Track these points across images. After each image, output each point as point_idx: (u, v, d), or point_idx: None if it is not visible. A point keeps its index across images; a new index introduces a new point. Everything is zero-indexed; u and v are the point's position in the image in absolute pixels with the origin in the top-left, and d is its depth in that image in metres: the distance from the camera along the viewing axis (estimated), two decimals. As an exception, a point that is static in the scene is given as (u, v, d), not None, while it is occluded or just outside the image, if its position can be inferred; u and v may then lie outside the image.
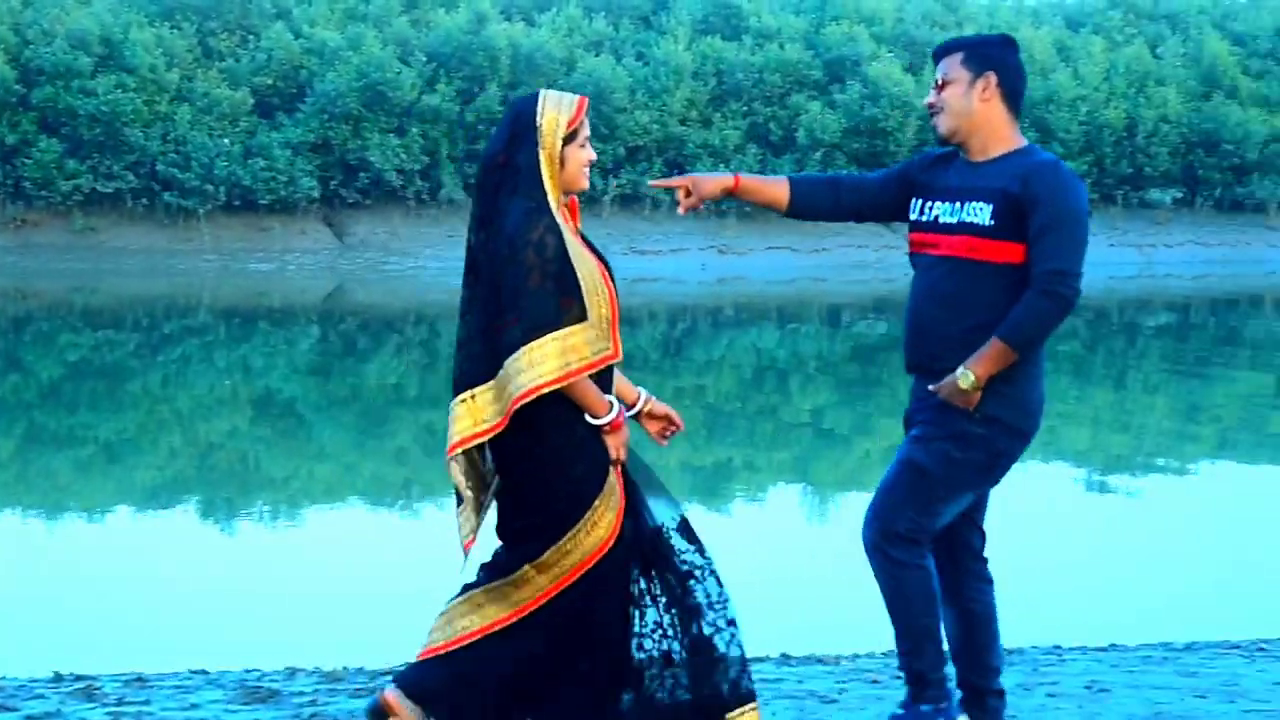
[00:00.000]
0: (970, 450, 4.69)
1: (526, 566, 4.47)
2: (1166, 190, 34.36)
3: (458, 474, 4.53)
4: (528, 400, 4.36)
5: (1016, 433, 4.72)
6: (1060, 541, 9.91)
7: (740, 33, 35.24)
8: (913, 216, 4.92)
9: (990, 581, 4.91)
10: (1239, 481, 12.52)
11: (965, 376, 4.60)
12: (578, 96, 4.65)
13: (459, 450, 4.48)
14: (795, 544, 10.05)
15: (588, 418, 4.47)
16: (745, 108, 33.72)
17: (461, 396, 4.48)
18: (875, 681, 6.04)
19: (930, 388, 4.71)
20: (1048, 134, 33.59)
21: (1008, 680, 5.15)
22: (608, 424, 4.49)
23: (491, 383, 4.44)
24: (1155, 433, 14.93)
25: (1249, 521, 10.81)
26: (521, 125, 4.52)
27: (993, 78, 4.75)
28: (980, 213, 4.68)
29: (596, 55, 33.78)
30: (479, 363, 4.47)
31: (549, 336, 4.39)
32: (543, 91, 4.60)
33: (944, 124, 4.80)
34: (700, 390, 17.45)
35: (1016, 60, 4.85)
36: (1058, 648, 6.85)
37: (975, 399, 4.63)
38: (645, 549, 4.55)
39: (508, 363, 4.39)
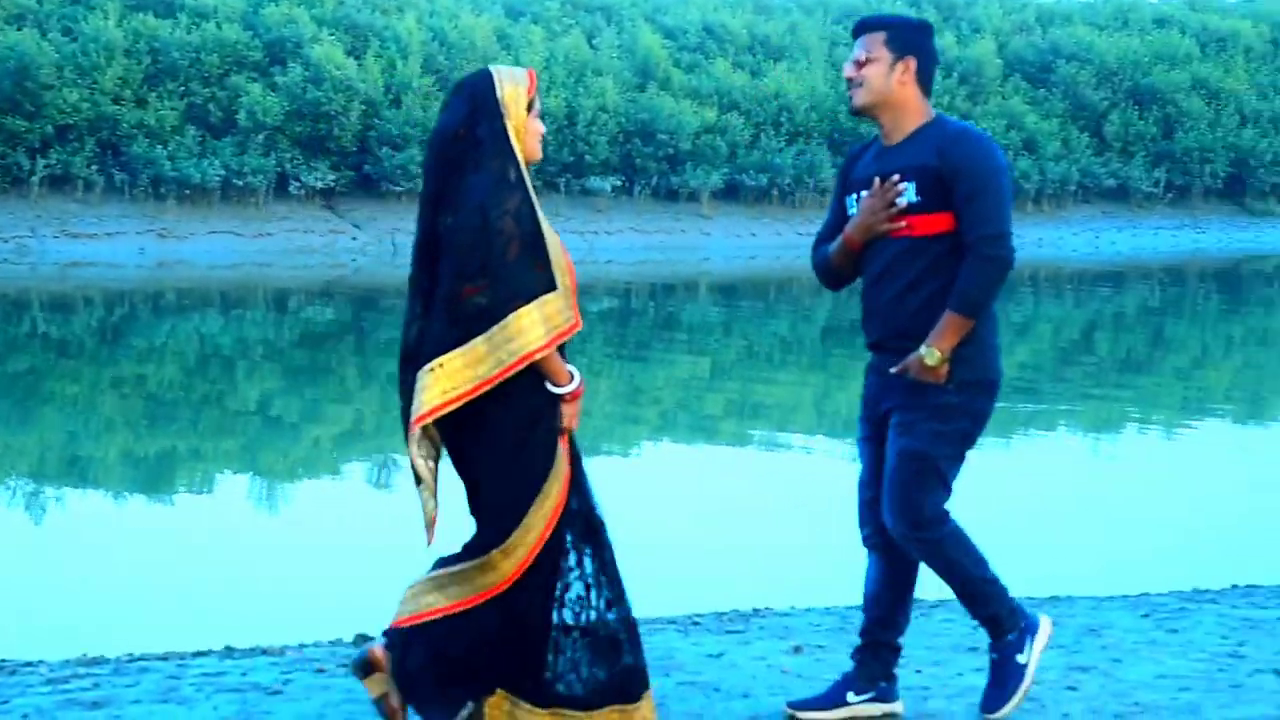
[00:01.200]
0: (954, 419, 4.91)
1: (494, 552, 4.54)
2: (606, 178, 35.34)
3: (416, 448, 4.56)
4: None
5: (989, 387, 4.98)
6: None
7: (175, 10, 34.19)
8: (850, 212, 5.09)
9: None
10: (671, 464, 12.91)
11: (931, 354, 4.82)
12: (525, 69, 4.82)
13: (427, 420, 4.50)
14: (243, 535, 9.75)
15: (550, 386, 4.59)
16: (182, 88, 32.74)
17: (429, 365, 4.50)
18: (321, 670, 5.90)
19: (893, 370, 4.91)
20: (491, 121, 34.00)
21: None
22: (569, 393, 4.62)
23: (462, 349, 4.48)
24: (599, 416, 15.26)
25: (678, 499, 11.14)
26: (480, 100, 4.65)
27: (912, 63, 4.99)
28: (906, 192, 4.89)
29: (19, 29, 32.09)
30: (446, 331, 4.50)
31: (533, 304, 4.51)
32: (491, 67, 4.73)
33: (860, 98, 5.02)
34: (141, 379, 16.80)
35: (933, 47, 5.10)
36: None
37: (944, 371, 4.84)
38: (582, 523, 4.68)
39: (494, 330, 4.47)
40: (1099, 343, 21.92)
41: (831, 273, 5.24)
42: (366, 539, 9.51)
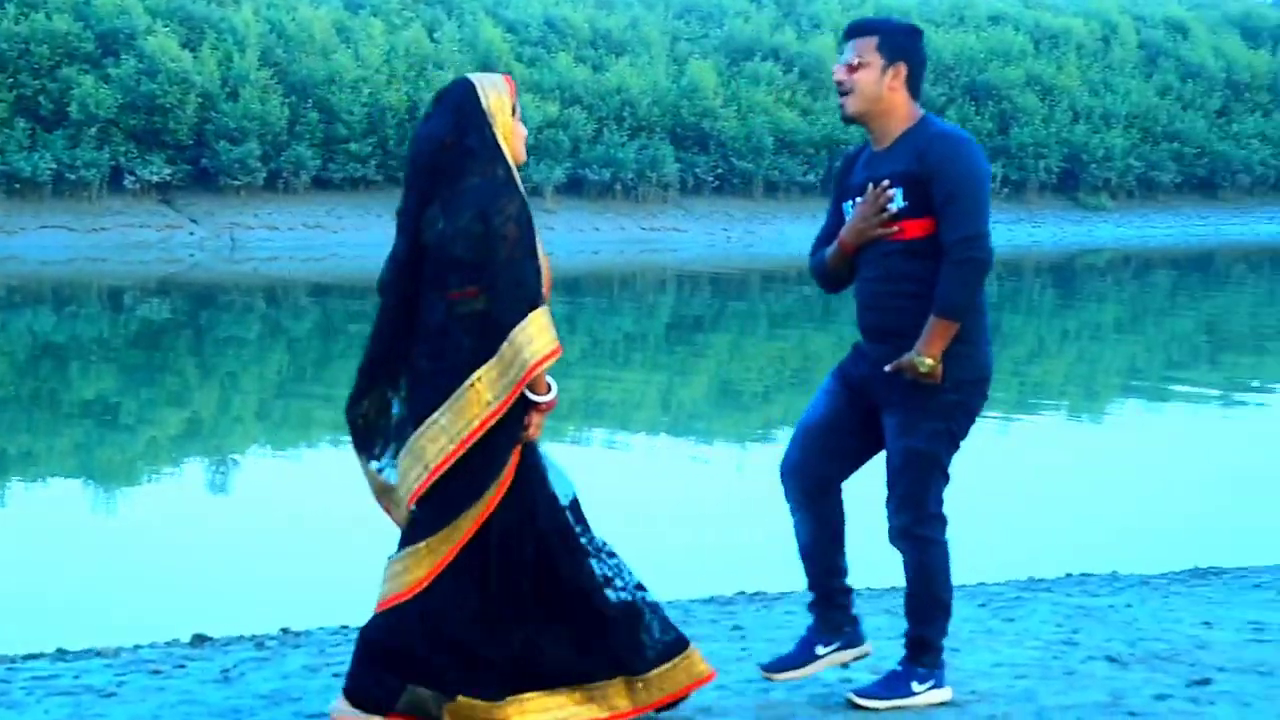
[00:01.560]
0: (953, 417, 5.03)
1: (420, 545, 4.63)
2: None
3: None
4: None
5: (982, 383, 5.08)
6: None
7: (3, 1, 33.41)
8: (848, 217, 5.14)
9: (841, 496, 5.29)
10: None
11: (922, 361, 4.91)
12: (503, 76, 4.88)
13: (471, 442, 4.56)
14: (76, 536, 9.55)
15: (530, 394, 4.64)
16: (11, 79, 31.97)
17: (469, 382, 4.55)
18: (157, 672, 5.79)
19: (887, 368, 4.97)
20: (332, 115, 33.66)
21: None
22: (547, 402, 4.69)
23: (493, 360, 4.56)
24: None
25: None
26: (466, 111, 4.71)
27: (903, 69, 5.06)
28: (895, 198, 4.97)
29: None
30: (474, 347, 4.57)
31: (539, 310, 4.61)
32: (471, 76, 4.84)
33: (852, 105, 5.10)
34: (-32, 378, 16.40)
35: (923, 50, 5.18)
36: (344, 628, 6.77)
37: (939, 373, 4.93)
38: (545, 523, 4.73)
39: (514, 332, 4.54)
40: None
41: (828, 276, 5.27)
42: (201, 539, 9.37)
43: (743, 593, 7.67)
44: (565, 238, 34.24)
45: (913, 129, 5.08)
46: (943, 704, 5.12)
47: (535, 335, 4.59)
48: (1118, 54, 46.31)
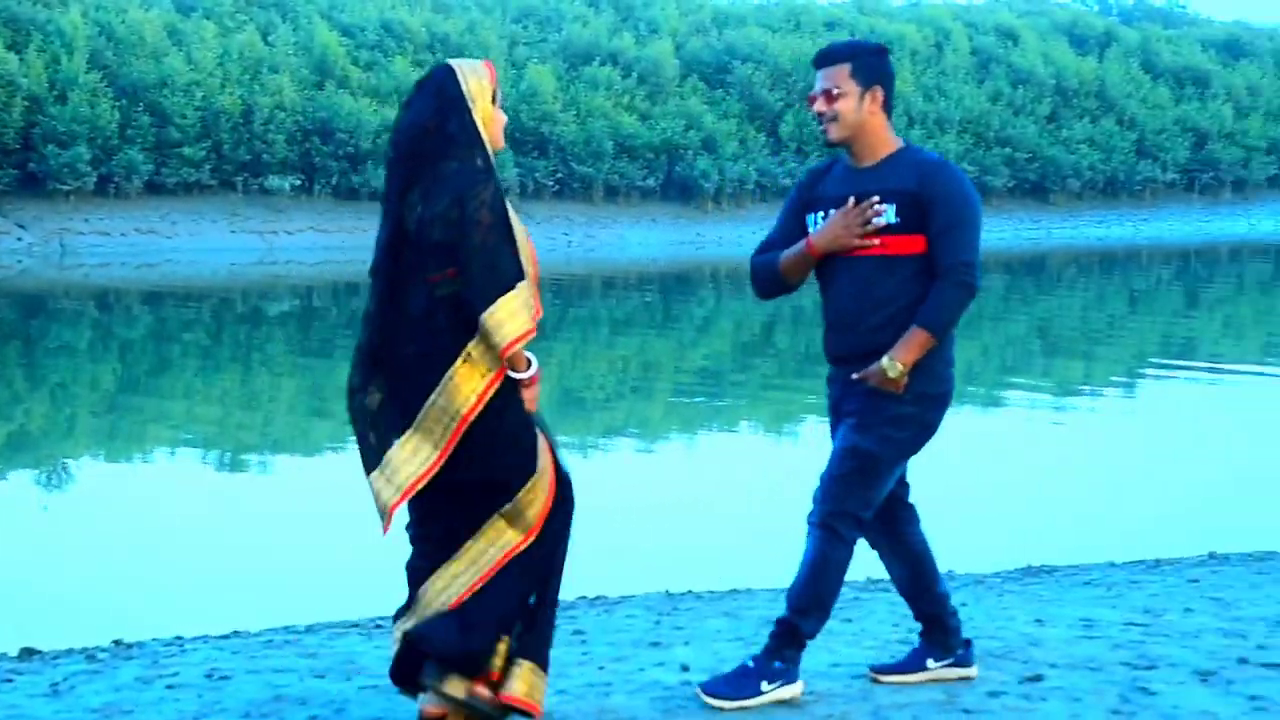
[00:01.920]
0: (905, 428, 5.10)
1: (496, 517, 4.72)
2: (285, 177, 34.73)
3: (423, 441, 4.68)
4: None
5: (941, 399, 5.18)
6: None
7: None
8: (812, 229, 5.22)
9: (919, 521, 5.39)
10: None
11: (893, 366, 5.01)
12: (483, 61, 4.93)
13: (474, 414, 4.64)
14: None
15: (510, 372, 4.73)
16: None
17: (462, 356, 4.66)
18: (-18, 691, 5.63)
19: (855, 376, 5.08)
20: (164, 119, 33.13)
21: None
22: (528, 379, 4.79)
23: (478, 338, 4.65)
24: (282, 419, 15.00)
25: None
26: (448, 95, 4.75)
27: (880, 92, 5.17)
28: (885, 213, 5.06)
29: None
30: (454, 327, 4.66)
31: (512, 292, 4.67)
32: (452, 62, 4.83)
33: (836, 133, 5.17)
34: None
35: (892, 68, 5.26)
36: (179, 638, 6.66)
37: (904, 384, 5.03)
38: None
39: (484, 316, 4.62)
40: (778, 339, 22.40)
41: (777, 279, 5.33)
42: (28, 551, 9.17)
43: (584, 597, 7.66)
44: (404, 243, 34.03)
45: (901, 151, 5.21)
46: (785, 701, 5.15)
47: (505, 319, 4.65)
48: (950, 60, 47.11)
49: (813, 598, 5.17)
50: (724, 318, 24.69)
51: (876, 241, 5.10)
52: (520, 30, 41.88)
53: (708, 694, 5.13)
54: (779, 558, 8.93)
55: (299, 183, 34.85)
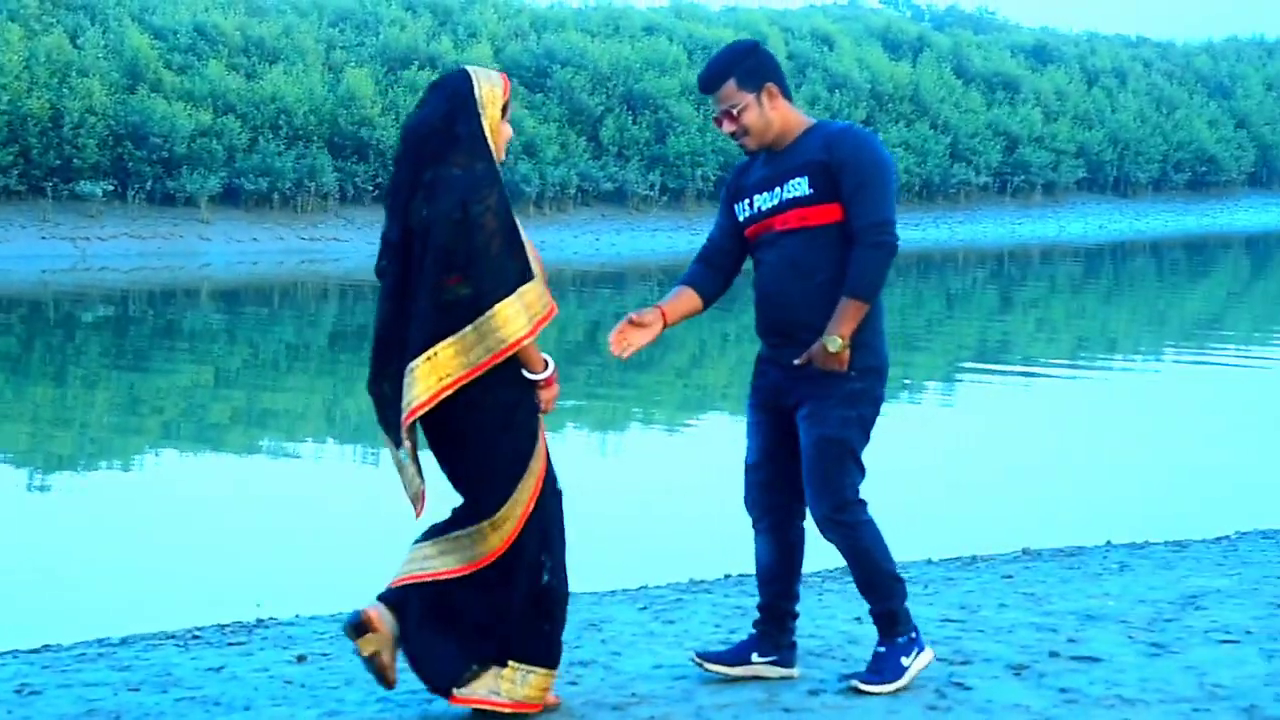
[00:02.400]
0: (860, 404, 5.21)
1: (484, 524, 4.87)
2: (98, 183, 33.99)
3: (405, 435, 4.84)
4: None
5: (882, 371, 5.28)
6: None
7: None
8: (741, 218, 5.37)
9: (805, 516, 5.44)
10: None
11: (833, 341, 5.09)
12: (500, 73, 5.04)
13: (424, 409, 4.77)
14: None
15: (525, 373, 4.91)
16: None
17: (425, 354, 4.75)
18: None
19: (797, 362, 5.17)
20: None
21: None
22: (544, 379, 4.95)
23: (453, 338, 4.76)
24: (97, 428, 14.71)
25: (184, 511, 10.85)
26: (460, 99, 4.87)
27: (772, 88, 5.26)
28: (799, 186, 5.20)
29: None
30: (432, 322, 4.76)
31: (514, 295, 4.80)
32: (469, 67, 4.96)
33: (754, 143, 5.30)
34: None
35: (771, 57, 5.35)
36: (47, 646, 6.54)
37: (846, 357, 5.12)
38: (552, 497, 5.03)
39: (480, 320, 4.76)
40: (603, 342, 22.45)
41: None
42: None
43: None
44: (222, 249, 33.57)
45: (812, 128, 5.32)
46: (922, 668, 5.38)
47: (511, 318, 4.80)
48: (768, 64, 47.69)
49: (880, 582, 5.31)
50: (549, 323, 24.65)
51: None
52: (337, 34, 41.48)
53: (863, 683, 5.28)
54: (600, 560, 8.96)
55: (112, 188, 34.14)
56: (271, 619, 7.31)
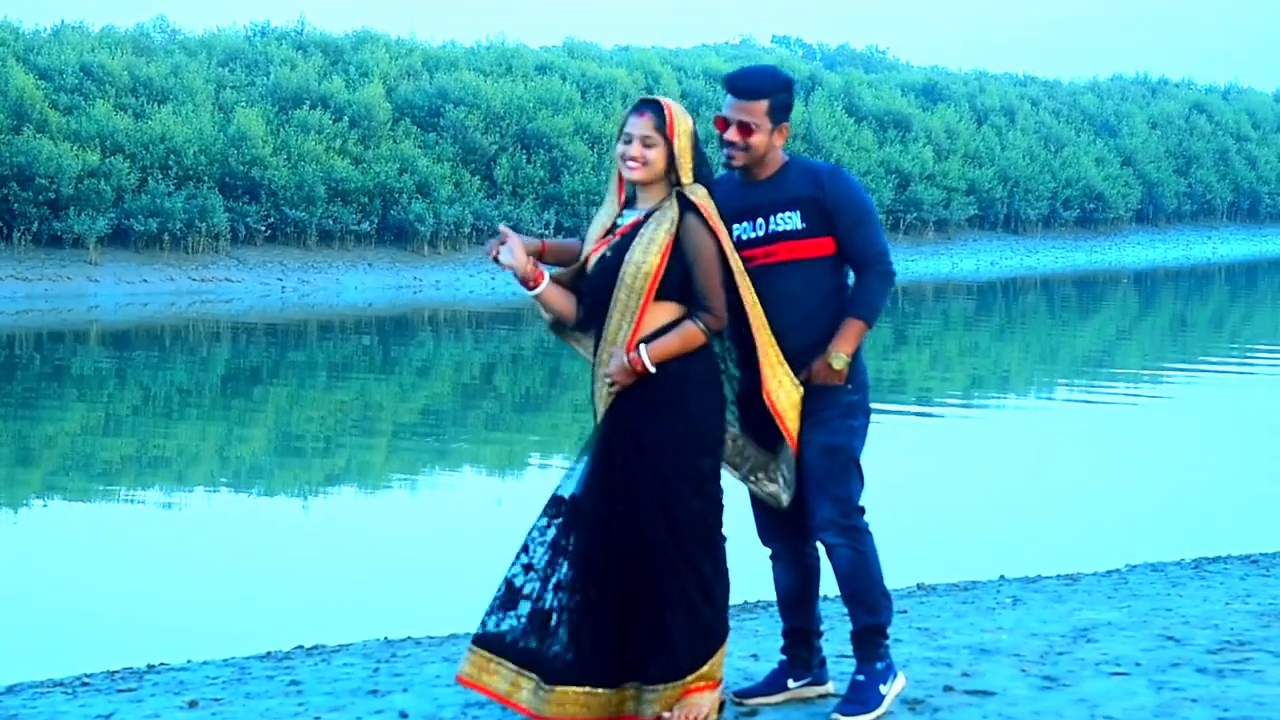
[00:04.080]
0: (857, 415, 5.51)
1: None
2: None
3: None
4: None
5: (868, 386, 5.58)
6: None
7: None
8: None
9: (816, 540, 5.57)
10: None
11: (838, 357, 5.40)
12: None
13: None
14: None
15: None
16: None
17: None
18: None
19: (800, 377, 5.42)
20: None
21: None
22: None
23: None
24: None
25: (70, 557, 10.69)
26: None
27: (786, 128, 5.58)
28: (790, 220, 5.48)
29: None
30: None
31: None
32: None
33: (741, 159, 5.56)
34: None
35: (794, 96, 5.68)
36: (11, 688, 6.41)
37: (846, 373, 5.42)
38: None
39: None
40: (499, 380, 22.40)
41: None
42: None
43: (300, 646, 7.55)
44: (112, 290, 33.19)
45: (790, 162, 5.63)
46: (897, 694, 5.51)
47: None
48: (661, 104, 47.81)
49: (874, 594, 5.47)
50: (443, 361, 24.60)
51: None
52: (227, 73, 41.17)
53: (844, 715, 5.38)
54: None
55: (-1, 230, 33.67)
56: (163, 664, 7.22)
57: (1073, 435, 16.71)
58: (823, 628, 5.77)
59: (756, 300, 5.36)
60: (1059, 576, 9.16)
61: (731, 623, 7.68)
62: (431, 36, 48.77)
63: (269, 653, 7.40)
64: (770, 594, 8.54)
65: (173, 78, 39.53)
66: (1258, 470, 14.23)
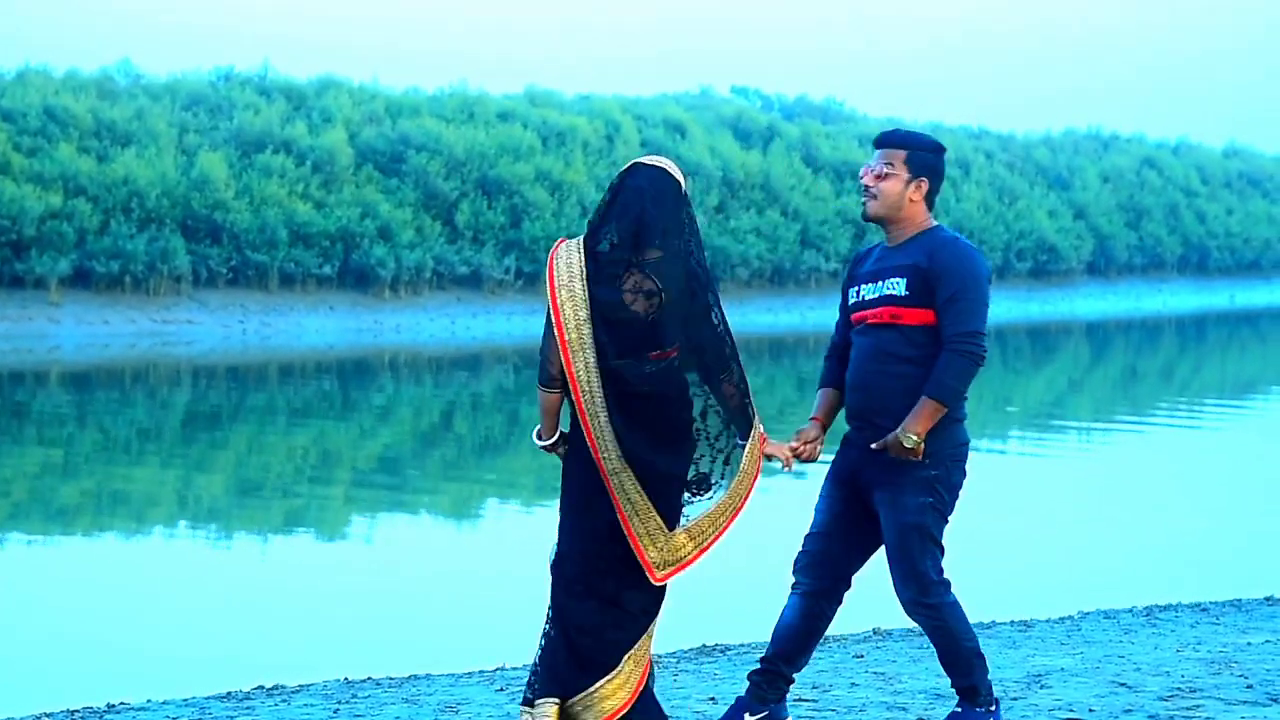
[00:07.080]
0: (936, 491, 5.53)
1: None
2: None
3: None
4: None
5: (958, 455, 5.60)
6: None
7: None
8: (850, 303, 5.70)
9: (841, 602, 5.82)
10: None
11: (907, 437, 5.40)
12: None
13: None
14: None
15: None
16: None
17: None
18: None
19: (874, 446, 5.47)
20: None
21: None
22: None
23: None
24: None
25: (32, 596, 10.71)
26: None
27: (925, 184, 5.56)
28: (897, 285, 5.52)
29: None
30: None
31: None
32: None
33: (874, 208, 5.60)
34: None
35: (944, 167, 5.68)
36: None
37: (921, 450, 5.42)
38: None
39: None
40: (458, 424, 22.46)
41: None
42: None
43: (260, 687, 7.60)
44: (73, 331, 33.12)
45: (925, 232, 5.60)
46: None
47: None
48: (621, 152, 47.97)
49: (963, 659, 5.60)
50: (403, 405, 24.64)
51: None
52: (190, 117, 41.20)
53: None
54: (458, 643, 9.02)
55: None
56: (123, 704, 7.26)
57: (1026, 485, 16.87)
58: (795, 676, 5.82)
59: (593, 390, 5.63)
60: (1013, 623, 9.28)
61: (690, 666, 7.81)
62: (394, 83, 48.79)
63: (229, 693, 7.45)
64: (728, 637, 8.69)
65: (136, 121, 39.54)
66: (1207, 520, 14.41)
